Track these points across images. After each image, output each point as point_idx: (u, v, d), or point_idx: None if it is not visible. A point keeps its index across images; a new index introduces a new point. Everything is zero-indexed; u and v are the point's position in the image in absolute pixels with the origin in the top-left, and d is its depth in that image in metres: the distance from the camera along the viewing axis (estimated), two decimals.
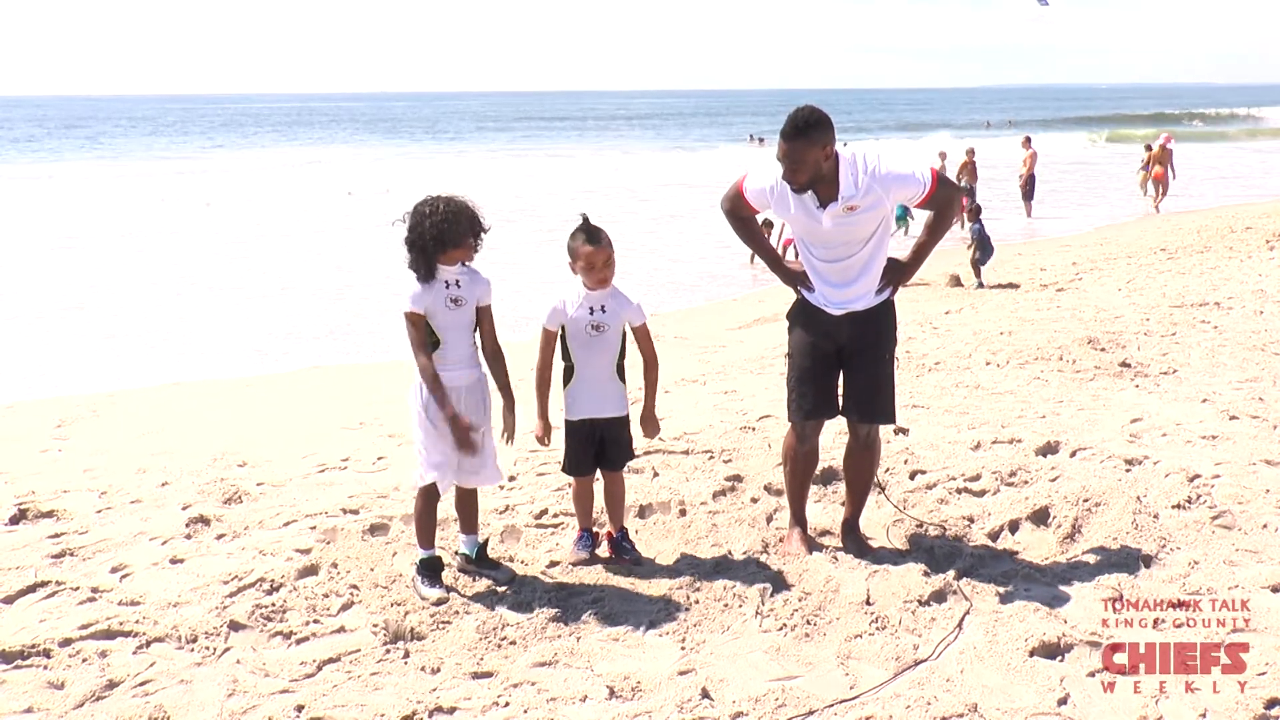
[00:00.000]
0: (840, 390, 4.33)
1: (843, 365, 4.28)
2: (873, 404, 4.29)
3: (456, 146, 52.41)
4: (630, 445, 4.46)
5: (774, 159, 4.03)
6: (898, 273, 4.27)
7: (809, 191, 4.02)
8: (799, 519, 4.53)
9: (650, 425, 4.42)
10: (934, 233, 4.27)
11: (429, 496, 4.14)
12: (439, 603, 4.00)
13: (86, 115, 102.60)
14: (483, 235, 4.09)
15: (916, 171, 4.06)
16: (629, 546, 4.44)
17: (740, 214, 4.37)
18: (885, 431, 5.76)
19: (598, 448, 4.35)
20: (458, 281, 4.04)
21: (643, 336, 4.34)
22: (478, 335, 4.14)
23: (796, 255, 4.42)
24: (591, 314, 4.21)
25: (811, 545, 4.43)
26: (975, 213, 13.64)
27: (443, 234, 3.93)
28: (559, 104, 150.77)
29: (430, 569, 4.16)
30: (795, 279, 4.32)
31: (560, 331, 4.27)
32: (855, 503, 4.54)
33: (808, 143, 3.89)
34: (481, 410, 4.14)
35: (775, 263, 4.47)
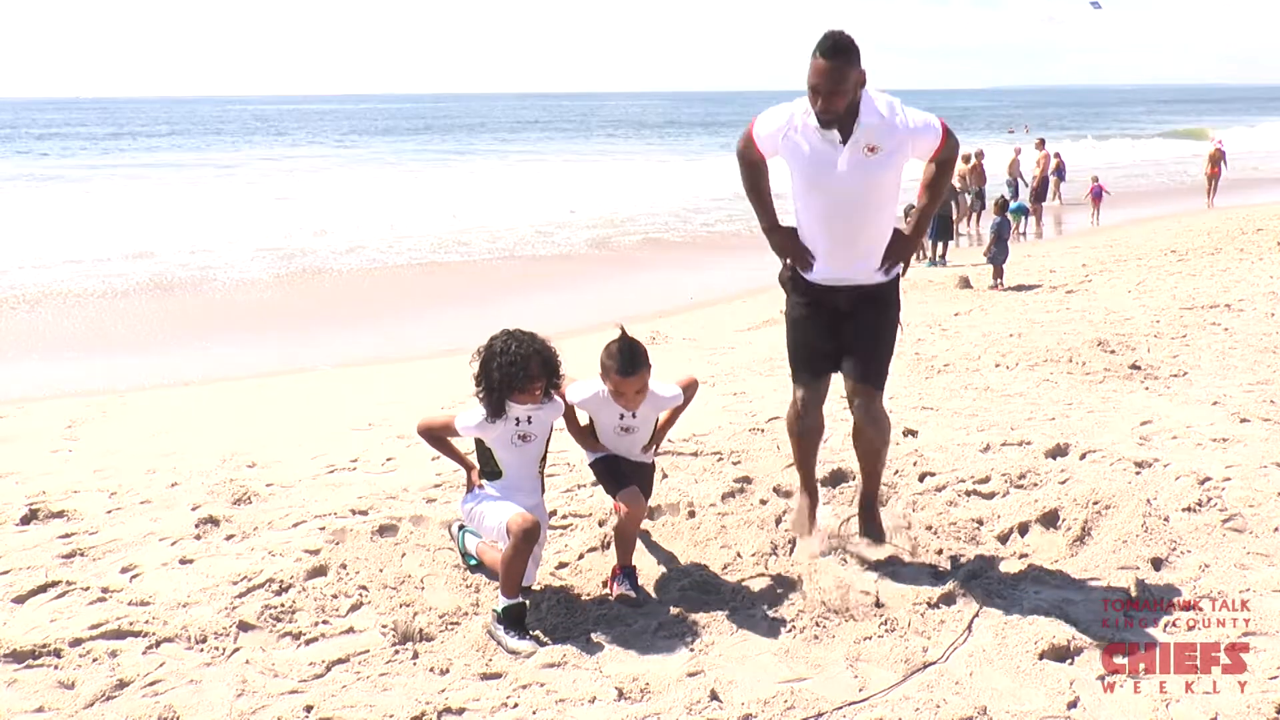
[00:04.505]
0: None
1: (841, 334, 4.07)
2: (865, 369, 4.07)
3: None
4: (650, 486, 4.34)
5: (783, 105, 3.86)
6: (902, 246, 4.03)
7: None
8: (808, 488, 4.45)
9: (648, 447, 4.24)
10: (934, 192, 4.04)
11: (529, 536, 3.75)
12: (530, 655, 3.61)
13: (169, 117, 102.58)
14: (558, 379, 3.90)
15: (933, 122, 3.88)
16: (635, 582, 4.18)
17: (750, 157, 4.09)
18: (893, 433, 5.77)
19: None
20: (529, 418, 3.88)
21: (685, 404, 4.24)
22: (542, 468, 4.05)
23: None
24: (621, 419, 4.07)
25: (815, 520, 4.39)
26: (1001, 206, 13.70)
27: (510, 378, 3.75)
28: (566, 107, 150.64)
29: (516, 617, 3.75)
30: (790, 250, 4.07)
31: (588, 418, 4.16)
32: (865, 480, 4.38)
33: (848, 62, 3.64)
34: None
35: (773, 227, 4.12)
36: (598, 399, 4.05)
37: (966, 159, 19.36)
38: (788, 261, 4.13)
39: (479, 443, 3.99)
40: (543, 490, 4.13)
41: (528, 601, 3.85)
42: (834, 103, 3.69)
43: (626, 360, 3.88)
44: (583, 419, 4.25)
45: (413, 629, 3.79)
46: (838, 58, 3.63)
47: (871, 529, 4.38)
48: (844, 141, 3.80)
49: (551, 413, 3.98)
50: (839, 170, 3.81)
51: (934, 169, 4.04)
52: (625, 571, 4.14)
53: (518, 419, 3.87)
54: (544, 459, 4.09)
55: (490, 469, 3.99)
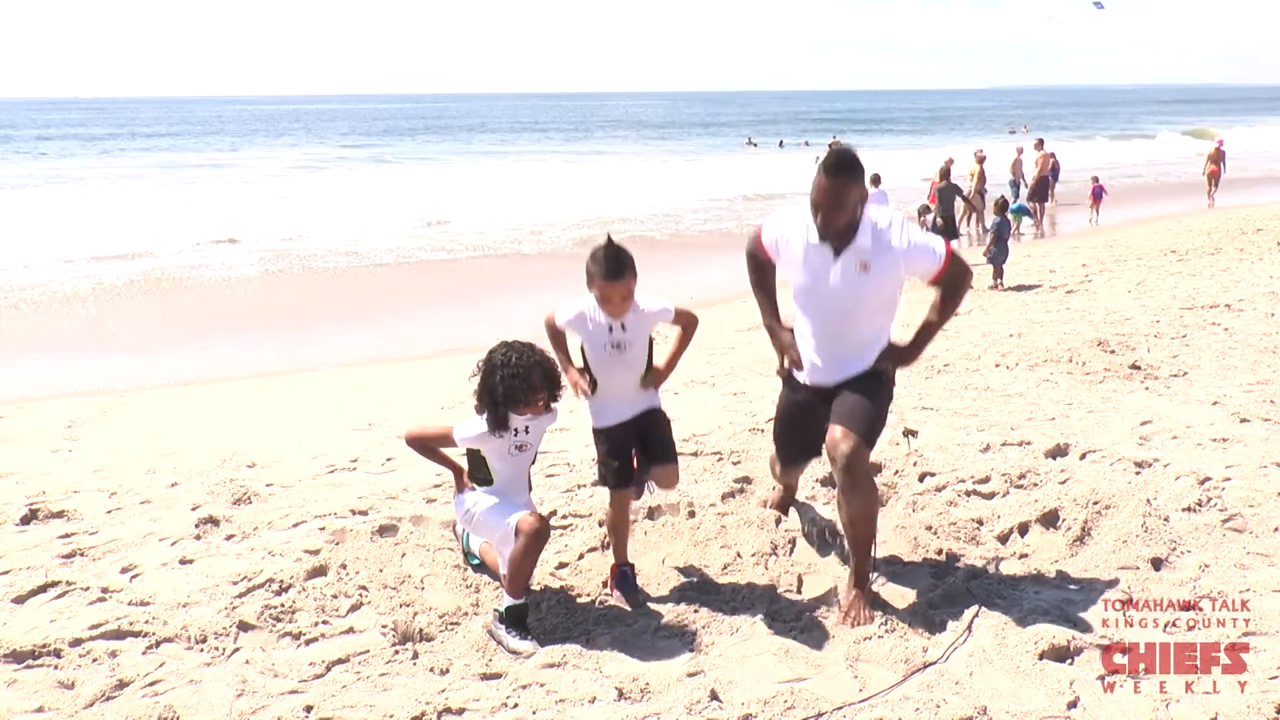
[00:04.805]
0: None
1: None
2: (851, 414, 3.85)
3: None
4: (672, 441, 4.12)
5: (790, 210, 3.95)
6: (896, 358, 4.00)
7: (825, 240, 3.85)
8: (785, 485, 4.87)
9: (654, 377, 4.09)
10: (942, 313, 4.00)
11: (540, 537, 3.77)
12: (531, 655, 3.64)
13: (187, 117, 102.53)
14: (559, 389, 3.84)
15: (935, 246, 3.89)
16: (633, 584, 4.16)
17: (759, 259, 4.20)
18: (893, 434, 5.77)
19: (639, 444, 4.06)
20: (526, 428, 3.86)
21: (679, 316, 4.10)
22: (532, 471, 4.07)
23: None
24: (611, 332, 3.92)
25: (785, 506, 4.85)
26: (1001, 206, 13.71)
27: (514, 391, 3.71)
28: (566, 107, 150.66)
29: (519, 617, 3.79)
30: (789, 349, 4.11)
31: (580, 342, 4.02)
32: (853, 554, 3.95)
33: (851, 180, 3.72)
34: None
35: (774, 328, 4.21)
36: (583, 319, 3.93)
37: (979, 159, 19.54)
38: (784, 362, 4.19)
39: (472, 451, 3.97)
40: (530, 489, 4.10)
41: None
42: (834, 218, 3.76)
43: (612, 264, 3.79)
44: (574, 355, 4.08)
45: (413, 629, 3.79)
46: (840, 176, 3.70)
47: (864, 610, 3.88)
48: (838, 255, 3.85)
49: (547, 421, 3.96)
50: (832, 283, 3.86)
51: (939, 292, 3.97)
52: (624, 570, 4.14)
53: (516, 430, 3.84)
54: (533, 460, 4.07)
55: (482, 476, 3.96)
